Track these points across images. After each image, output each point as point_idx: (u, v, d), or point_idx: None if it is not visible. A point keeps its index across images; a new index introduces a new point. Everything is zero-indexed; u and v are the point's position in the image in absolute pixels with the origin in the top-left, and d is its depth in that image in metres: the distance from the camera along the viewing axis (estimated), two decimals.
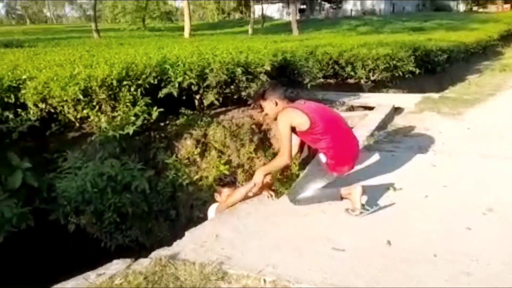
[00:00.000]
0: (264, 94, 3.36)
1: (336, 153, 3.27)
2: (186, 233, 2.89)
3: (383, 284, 2.26)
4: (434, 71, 12.95)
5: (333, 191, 3.31)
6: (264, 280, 2.32)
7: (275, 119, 3.36)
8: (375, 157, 4.52)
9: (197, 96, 6.16)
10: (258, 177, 3.33)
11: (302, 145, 3.63)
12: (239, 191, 3.45)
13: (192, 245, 2.70)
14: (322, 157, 3.29)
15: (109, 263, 2.53)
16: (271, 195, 3.51)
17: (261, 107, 3.51)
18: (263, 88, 3.44)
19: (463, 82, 11.77)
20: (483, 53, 18.68)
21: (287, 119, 3.23)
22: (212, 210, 3.63)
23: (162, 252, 2.59)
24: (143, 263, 2.47)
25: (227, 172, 5.67)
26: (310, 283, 2.28)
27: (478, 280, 2.30)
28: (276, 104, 3.32)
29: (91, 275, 2.40)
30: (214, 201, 3.88)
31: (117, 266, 2.44)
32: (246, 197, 3.48)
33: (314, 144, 3.36)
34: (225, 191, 3.64)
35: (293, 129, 3.29)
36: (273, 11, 50.08)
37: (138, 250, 5.11)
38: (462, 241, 2.71)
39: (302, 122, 3.22)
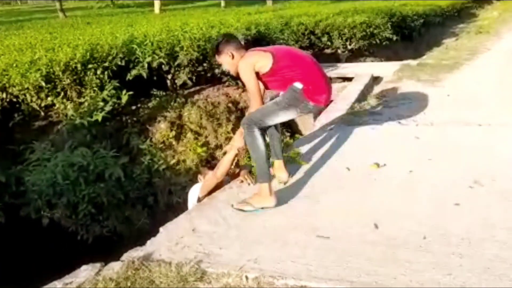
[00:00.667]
0: (218, 48, 3.06)
1: (312, 80, 2.97)
2: (161, 229, 2.70)
3: (372, 274, 2.12)
4: (410, 37, 12.81)
5: (267, 168, 2.91)
6: (246, 277, 2.16)
7: (238, 71, 3.05)
8: (357, 131, 4.36)
9: (169, 76, 5.88)
10: (239, 141, 3.18)
11: None
12: (224, 161, 3.25)
13: (167, 242, 2.51)
14: (298, 84, 2.94)
15: (77, 269, 2.32)
16: (251, 181, 3.32)
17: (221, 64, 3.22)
18: (216, 42, 3.14)
19: (440, 47, 11.67)
20: (458, 16, 18.59)
21: (248, 64, 2.94)
22: (195, 190, 3.43)
23: (135, 253, 2.39)
24: (114, 268, 2.27)
25: (204, 155, 5.48)
26: (295, 277, 2.13)
27: (470, 261, 2.18)
28: (233, 56, 3.00)
29: (58, 285, 2.19)
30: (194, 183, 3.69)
31: (85, 273, 2.24)
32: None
33: (286, 82, 2.98)
34: (211, 173, 3.43)
35: (258, 77, 2.99)
36: None
37: (116, 240, 4.95)
38: (451, 219, 2.58)
39: (265, 61, 2.94)
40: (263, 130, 2.99)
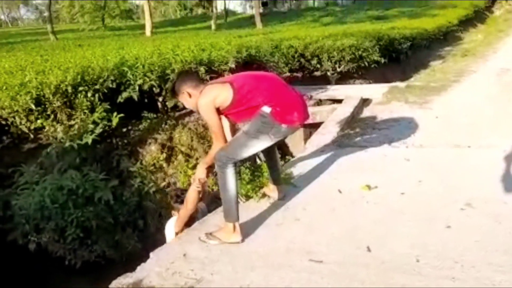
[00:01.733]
0: (174, 89, 2.90)
1: (280, 100, 2.77)
2: (151, 254, 2.65)
3: None
4: (398, 59, 13.01)
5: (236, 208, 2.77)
6: None
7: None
8: (348, 153, 4.39)
9: (160, 99, 5.88)
10: (201, 172, 2.98)
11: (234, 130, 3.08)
12: (190, 197, 3.09)
13: (158, 268, 2.47)
14: (266, 108, 2.74)
15: None
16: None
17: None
18: (171, 82, 2.99)
19: (427, 69, 11.88)
20: (444, 38, 18.95)
21: (207, 102, 2.74)
22: (171, 225, 3.32)
23: (124, 280, 2.35)
24: None
25: None
26: None
27: (463, 284, 2.18)
28: (190, 95, 2.83)
29: None
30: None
31: None
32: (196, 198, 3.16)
33: (252, 110, 2.78)
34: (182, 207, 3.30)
35: (220, 112, 2.80)
36: (235, 5, 49.85)
37: (105, 266, 4.86)
38: (444, 242, 2.58)
39: (225, 94, 2.74)
40: (236, 166, 2.80)
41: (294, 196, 3.43)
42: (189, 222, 3.22)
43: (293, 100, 2.86)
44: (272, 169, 3.32)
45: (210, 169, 2.98)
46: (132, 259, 4.99)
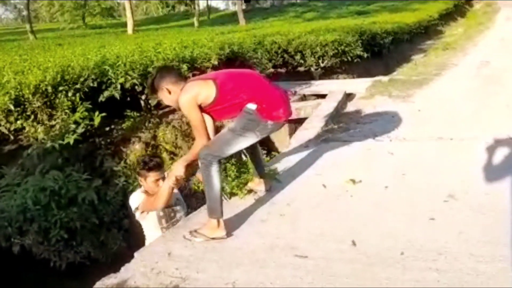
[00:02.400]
0: (153, 85, 2.82)
1: (264, 97, 2.74)
2: (135, 254, 2.63)
3: None
4: (380, 54, 13.11)
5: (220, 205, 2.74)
6: None
7: (179, 107, 2.81)
8: (332, 148, 4.40)
9: (143, 97, 5.82)
10: (179, 169, 2.85)
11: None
12: (163, 191, 2.96)
13: (142, 268, 2.44)
14: (251, 105, 2.70)
15: None
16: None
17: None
18: (151, 78, 2.86)
19: (409, 63, 11.98)
20: (425, 32, 19.13)
21: (189, 98, 2.68)
22: (134, 200, 3.23)
23: (109, 281, 2.32)
24: None
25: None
26: None
27: (447, 276, 2.20)
28: (170, 92, 2.77)
29: None
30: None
31: None
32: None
33: (235, 107, 2.75)
34: (151, 175, 3.17)
35: (202, 110, 2.75)
36: (218, 2, 49.54)
37: (91, 267, 4.81)
38: (428, 234, 2.61)
39: (208, 91, 2.69)
40: (221, 163, 2.78)
41: (278, 192, 3.42)
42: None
43: (277, 96, 2.84)
44: (257, 163, 3.32)
45: (188, 167, 2.91)
46: (118, 259, 4.93)
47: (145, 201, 3.16)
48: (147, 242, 3.34)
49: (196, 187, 3.56)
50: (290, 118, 2.97)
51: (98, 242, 4.94)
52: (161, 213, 3.21)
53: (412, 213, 2.89)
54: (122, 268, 2.47)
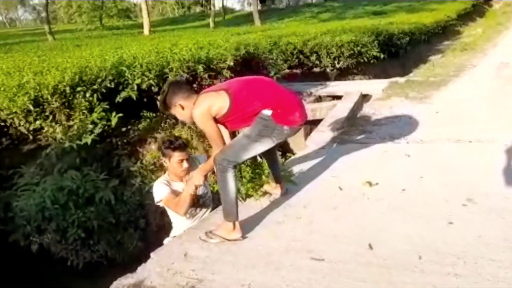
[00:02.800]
0: (165, 103, 2.81)
1: (279, 102, 2.71)
2: (152, 255, 2.64)
3: None
4: (397, 55, 12.98)
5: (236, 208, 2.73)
6: None
7: (193, 121, 2.81)
8: (348, 150, 4.37)
9: (159, 97, 5.84)
10: (198, 178, 2.92)
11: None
12: (184, 199, 3.02)
13: (158, 268, 2.46)
14: (266, 111, 2.67)
15: None
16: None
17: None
18: (162, 95, 2.83)
19: (426, 64, 11.84)
20: (443, 33, 18.89)
21: (202, 112, 2.65)
22: (158, 191, 3.22)
23: (125, 281, 2.34)
24: None
25: None
26: None
27: (467, 281, 2.16)
28: (182, 107, 2.75)
29: None
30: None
31: None
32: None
33: (249, 116, 2.72)
34: (176, 155, 3.15)
35: (217, 121, 2.73)
36: (234, 2, 49.63)
37: (108, 266, 4.85)
38: (446, 238, 2.57)
39: (221, 102, 2.66)
40: (236, 168, 2.76)
41: (294, 194, 3.41)
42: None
43: (292, 100, 2.82)
44: (273, 167, 3.31)
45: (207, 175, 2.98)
46: (134, 259, 4.98)
47: (169, 199, 3.15)
48: (173, 229, 3.38)
49: (211, 188, 3.56)
50: (308, 119, 2.96)
51: (114, 242, 4.99)
52: None
53: (430, 216, 2.85)
54: (139, 268, 2.48)
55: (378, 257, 2.42)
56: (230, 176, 2.67)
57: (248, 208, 3.15)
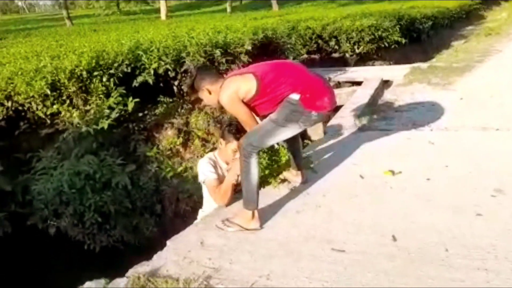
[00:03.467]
0: (193, 87, 2.79)
1: (306, 86, 2.63)
2: (168, 243, 2.58)
3: None
4: (419, 39, 12.67)
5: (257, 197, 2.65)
6: None
7: (221, 105, 2.75)
8: (369, 137, 4.24)
9: (175, 83, 5.78)
10: (237, 170, 2.85)
11: None
12: (225, 190, 3.00)
13: (175, 256, 2.40)
14: (294, 96, 2.60)
15: (80, 286, 2.21)
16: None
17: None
18: (190, 79, 2.82)
19: (449, 49, 11.52)
20: (466, 17, 18.39)
21: (230, 95, 2.61)
22: (204, 170, 3.11)
23: (141, 269, 2.28)
24: (119, 284, 2.16)
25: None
26: None
27: (498, 277, 2.04)
28: (210, 92, 2.73)
29: None
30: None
31: None
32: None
33: (277, 99, 2.65)
34: (235, 143, 3.00)
35: (246, 105, 2.67)
36: None
37: (124, 250, 4.86)
38: (474, 230, 2.44)
39: (248, 85, 2.61)
40: (259, 154, 2.70)
41: (314, 182, 3.31)
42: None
43: (320, 85, 2.72)
44: (295, 154, 3.21)
45: None
46: (149, 244, 4.99)
47: (213, 184, 3.07)
48: (203, 207, 3.33)
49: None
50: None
51: (131, 227, 5.00)
52: None
53: (457, 208, 2.72)
54: (155, 256, 2.43)
55: (403, 249, 2.31)
56: (254, 162, 2.60)
57: (267, 196, 3.06)
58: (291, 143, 3.14)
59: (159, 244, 3.59)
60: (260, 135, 2.63)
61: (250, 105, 2.69)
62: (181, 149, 5.45)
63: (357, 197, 3.01)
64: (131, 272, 2.27)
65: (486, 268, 2.11)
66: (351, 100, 5.83)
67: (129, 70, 5.24)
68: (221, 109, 2.83)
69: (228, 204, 3.05)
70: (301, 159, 3.28)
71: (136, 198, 4.97)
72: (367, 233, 2.52)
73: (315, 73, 2.83)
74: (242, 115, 2.66)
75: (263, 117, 2.80)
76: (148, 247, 4.84)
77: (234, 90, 2.62)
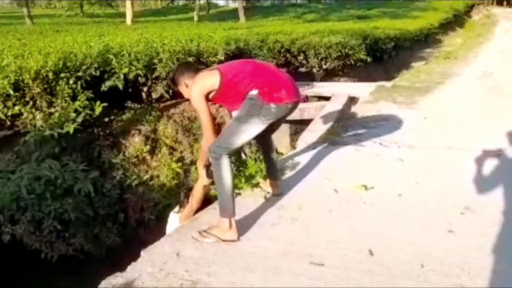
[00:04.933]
0: (174, 79, 2.98)
1: (265, 80, 2.73)
2: (142, 253, 2.48)
3: None
4: (381, 59, 13.04)
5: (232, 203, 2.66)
6: None
7: None
8: (340, 152, 4.29)
9: (145, 89, 5.67)
10: (203, 173, 2.97)
11: None
12: (193, 195, 3.08)
13: (150, 268, 2.31)
14: (253, 91, 2.70)
15: None
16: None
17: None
18: (172, 73, 3.03)
19: (411, 70, 11.93)
20: (424, 41, 19.12)
21: (197, 90, 2.74)
22: (173, 220, 3.22)
23: (114, 280, 2.18)
24: None
25: (179, 171, 5.28)
26: None
27: None
28: (187, 86, 2.87)
29: None
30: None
31: None
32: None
33: (241, 95, 2.73)
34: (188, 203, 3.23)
35: (210, 100, 2.81)
36: None
37: (83, 260, 4.67)
38: (447, 247, 2.50)
39: (213, 79, 2.73)
40: (231, 158, 2.74)
41: (287, 194, 3.31)
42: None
43: (280, 78, 2.81)
44: (269, 163, 3.25)
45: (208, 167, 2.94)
46: (111, 254, 4.82)
47: (183, 212, 3.19)
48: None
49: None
50: (296, 101, 2.86)
51: (92, 235, 4.81)
52: None
53: (429, 224, 2.78)
54: (128, 267, 2.32)
55: (380, 265, 2.33)
56: (225, 164, 2.61)
57: (241, 207, 3.02)
58: (265, 150, 3.24)
59: (121, 255, 3.47)
60: (226, 135, 2.70)
61: (215, 100, 2.85)
62: (148, 157, 5.32)
63: (332, 212, 3.02)
64: (104, 283, 2.16)
65: (461, 284, 2.16)
66: (320, 114, 5.91)
67: (97, 74, 5.08)
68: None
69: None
70: (275, 168, 3.32)
71: (98, 206, 4.79)
72: (344, 248, 2.53)
73: (278, 69, 2.97)
74: (201, 111, 2.77)
75: None
76: (110, 257, 4.70)
77: (200, 86, 2.75)
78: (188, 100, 3.37)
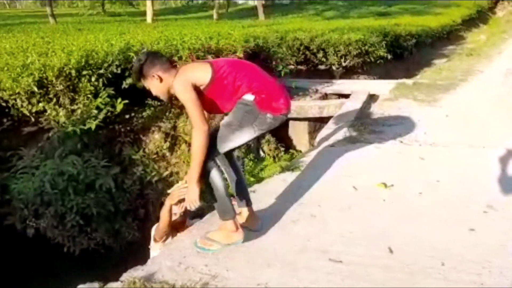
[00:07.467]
0: (142, 71, 2.51)
1: (263, 86, 2.48)
2: (163, 248, 2.52)
3: None
4: (402, 56, 12.87)
5: (230, 203, 2.50)
6: None
7: (170, 95, 2.57)
8: (360, 150, 4.27)
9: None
10: (178, 193, 2.77)
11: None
12: (162, 215, 2.96)
13: (170, 262, 2.34)
14: (248, 96, 2.44)
15: None
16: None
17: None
18: (138, 63, 2.55)
19: (432, 67, 11.76)
20: (447, 37, 18.77)
21: (184, 81, 2.40)
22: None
23: (135, 273, 2.22)
24: None
25: None
26: None
27: None
28: (161, 79, 2.47)
29: None
30: None
31: None
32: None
33: (232, 95, 2.48)
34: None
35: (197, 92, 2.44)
36: None
37: (104, 254, 4.75)
38: (469, 245, 2.47)
39: (202, 72, 2.45)
40: (214, 161, 2.50)
41: (306, 191, 3.31)
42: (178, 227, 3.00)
43: (276, 86, 2.56)
44: (238, 182, 2.71)
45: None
46: (131, 249, 4.89)
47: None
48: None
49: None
50: (288, 113, 2.63)
51: (112, 230, 4.89)
52: None
53: (450, 222, 2.75)
54: (149, 261, 2.37)
55: (400, 262, 2.32)
56: (213, 167, 2.45)
57: (261, 204, 3.03)
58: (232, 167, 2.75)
59: (141, 249, 3.50)
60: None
61: (204, 97, 2.49)
62: (168, 154, 5.37)
63: (351, 209, 3.02)
64: (125, 276, 2.20)
65: (482, 282, 2.13)
66: (340, 112, 5.88)
67: (119, 71, 5.15)
68: (169, 100, 2.65)
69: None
70: (247, 190, 2.86)
71: (119, 201, 4.86)
72: (363, 245, 2.52)
73: (268, 75, 2.66)
74: (189, 101, 2.39)
75: (226, 115, 2.63)
76: (130, 252, 4.77)
77: (187, 76, 2.45)
78: (154, 97, 2.85)
